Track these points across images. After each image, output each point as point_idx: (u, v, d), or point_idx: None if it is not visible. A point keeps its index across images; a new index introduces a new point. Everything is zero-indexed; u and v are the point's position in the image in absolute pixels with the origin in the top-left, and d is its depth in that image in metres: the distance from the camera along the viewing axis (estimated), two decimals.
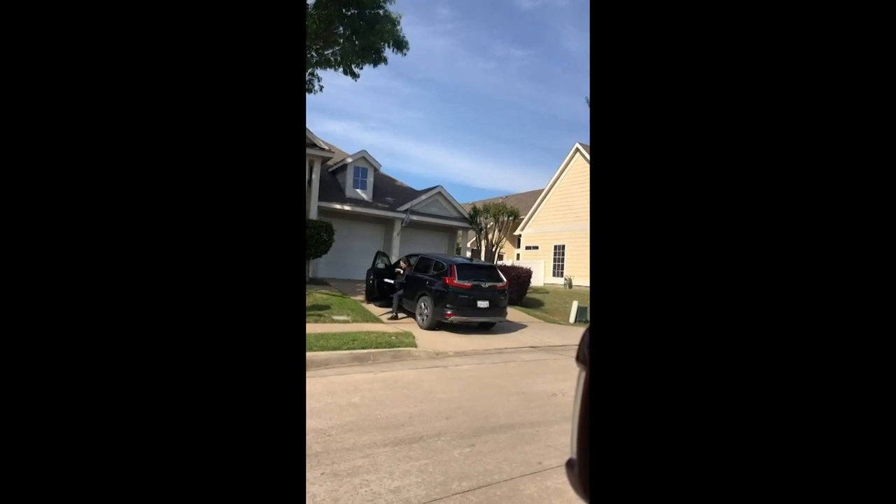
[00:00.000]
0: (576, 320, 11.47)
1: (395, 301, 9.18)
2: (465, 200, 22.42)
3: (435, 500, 2.48)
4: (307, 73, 9.24)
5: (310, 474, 2.66)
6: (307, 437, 3.22)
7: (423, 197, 15.20)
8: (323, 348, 5.88)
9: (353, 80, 9.83)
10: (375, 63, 9.54)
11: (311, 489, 2.48)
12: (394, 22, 9.03)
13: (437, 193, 15.49)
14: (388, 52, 9.50)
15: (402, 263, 9.73)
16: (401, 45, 9.41)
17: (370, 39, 8.92)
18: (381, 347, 6.34)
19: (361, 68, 9.58)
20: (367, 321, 8.24)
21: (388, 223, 14.76)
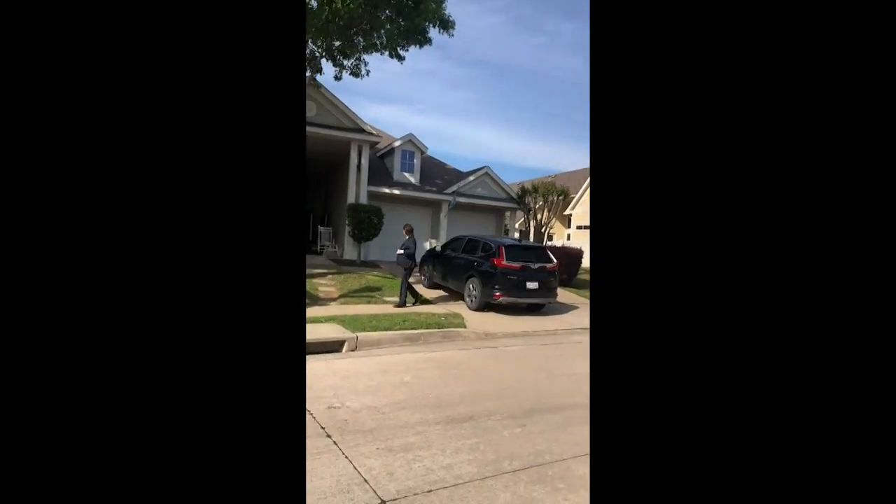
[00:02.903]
0: None
1: (402, 283, 7.97)
2: (512, 180, 22.09)
3: (487, 477, 2.53)
4: (354, 59, 9.32)
5: (365, 448, 2.78)
6: (362, 413, 3.36)
7: (470, 178, 15.12)
8: (375, 329, 6.06)
9: (399, 64, 9.85)
10: (421, 44, 9.48)
11: (367, 462, 2.60)
12: (439, 0, 8.91)
13: (484, 174, 15.35)
14: (436, 34, 9.42)
15: (403, 231, 8.52)
16: (446, 25, 9.28)
17: (415, 21, 8.86)
18: (431, 328, 6.45)
19: (407, 50, 9.56)
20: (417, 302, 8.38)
21: (435, 206, 14.83)
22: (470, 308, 8.18)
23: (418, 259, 8.26)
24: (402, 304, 7.86)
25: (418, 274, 10.64)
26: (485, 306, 8.11)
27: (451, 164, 17.95)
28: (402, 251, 8.00)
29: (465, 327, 6.78)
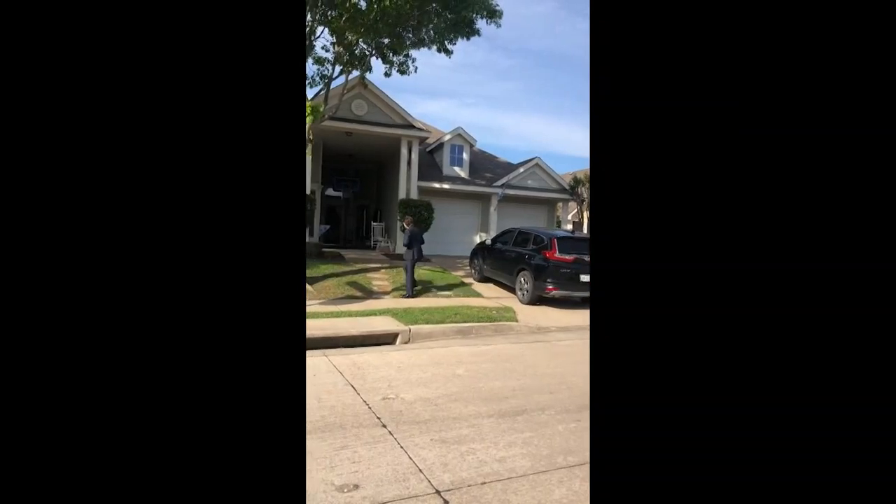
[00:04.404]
0: None
1: (407, 273, 8.10)
2: (565, 171, 21.51)
3: (541, 472, 2.51)
4: (402, 55, 9.43)
5: (420, 439, 2.83)
6: (416, 404, 3.42)
7: (521, 170, 14.91)
8: (427, 322, 6.14)
9: (448, 59, 9.86)
10: (468, 36, 9.44)
11: (421, 453, 2.65)
12: None
13: (535, 165, 15.08)
14: (482, 24, 9.34)
15: (405, 220, 8.82)
16: (493, 14, 9.18)
17: (462, 14, 8.82)
18: (483, 321, 6.45)
19: (454, 44, 9.54)
20: (467, 296, 8.41)
21: (485, 199, 14.76)
22: (522, 302, 8.10)
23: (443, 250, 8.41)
24: (410, 295, 7.99)
25: (469, 268, 10.66)
26: (537, 300, 8.00)
27: (502, 155, 17.78)
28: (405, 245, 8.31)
29: (516, 321, 6.73)
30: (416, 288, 8.25)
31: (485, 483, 2.37)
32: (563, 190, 15.49)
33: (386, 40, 8.95)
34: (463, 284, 9.31)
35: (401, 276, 9.21)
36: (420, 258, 8.35)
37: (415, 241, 8.25)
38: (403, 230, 8.54)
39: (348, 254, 11.65)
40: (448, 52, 9.55)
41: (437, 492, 2.27)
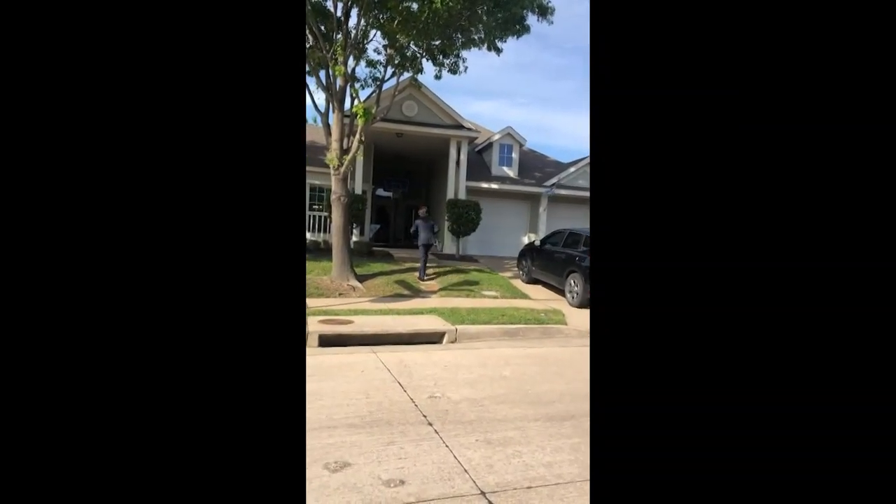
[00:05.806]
0: None
1: (422, 259, 9.05)
2: None
3: (588, 479, 2.44)
4: (453, 56, 9.46)
5: (465, 439, 2.84)
6: (462, 404, 3.43)
7: (571, 169, 14.56)
8: (474, 322, 6.13)
9: (498, 58, 9.78)
10: (518, 34, 9.33)
11: (466, 453, 2.65)
12: None
13: (587, 164, 14.64)
14: (534, 21, 9.21)
15: (420, 211, 9.76)
16: (545, 11, 9.02)
17: (512, 10, 8.73)
18: (531, 323, 6.36)
19: (504, 42, 9.46)
20: (515, 297, 8.33)
21: (534, 199, 14.56)
22: (571, 304, 7.92)
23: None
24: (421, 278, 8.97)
25: (516, 269, 10.55)
26: (587, 303, 7.79)
27: (553, 155, 17.45)
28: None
29: (565, 324, 6.58)
30: (429, 277, 8.88)
31: (531, 487, 2.33)
32: None
33: (437, 42, 9.02)
34: (510, 286, 9.23)
35: (449, 277, 9.28)
36: (429, 245, 9.04)
37: (422, 231, 8.96)
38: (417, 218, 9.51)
39: (397, 253, 11.85)
40: (498, 51, 9.47)
41: (482, 493, 2.26)
